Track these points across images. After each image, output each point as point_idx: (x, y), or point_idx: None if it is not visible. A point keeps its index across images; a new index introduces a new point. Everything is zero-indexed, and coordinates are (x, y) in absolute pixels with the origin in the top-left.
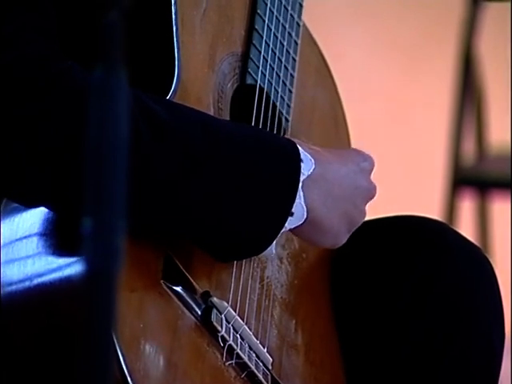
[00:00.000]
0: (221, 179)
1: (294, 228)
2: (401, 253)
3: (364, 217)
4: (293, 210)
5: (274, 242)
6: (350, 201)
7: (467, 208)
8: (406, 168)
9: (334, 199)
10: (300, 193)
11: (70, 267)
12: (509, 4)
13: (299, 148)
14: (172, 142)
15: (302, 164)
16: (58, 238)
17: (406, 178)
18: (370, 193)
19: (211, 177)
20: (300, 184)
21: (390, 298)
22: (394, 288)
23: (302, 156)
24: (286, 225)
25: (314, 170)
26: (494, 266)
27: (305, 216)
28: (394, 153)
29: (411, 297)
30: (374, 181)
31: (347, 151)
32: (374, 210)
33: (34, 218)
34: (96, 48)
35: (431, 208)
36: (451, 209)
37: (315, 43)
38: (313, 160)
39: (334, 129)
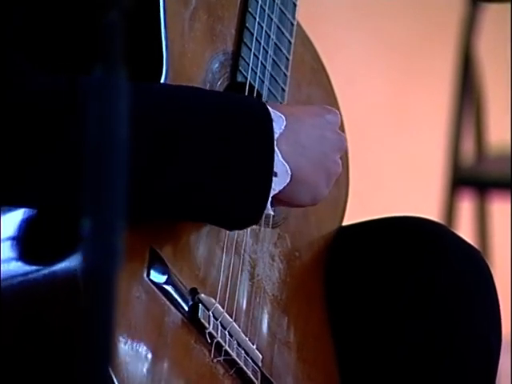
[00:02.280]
0: (196, 151)
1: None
2: (398, 254)
3: (339, 167)
4: (275, 169)
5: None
6: (319, 150)
7: (466, 208)
8: (406, 168)
9: (304, 148)
10: (276, 151)
11: (39, 273)
12: (509, 5)
13: (269, 108)
14: (140, 123)
15: (273, 124)
16: (29, 244)
17: (406, 178)
18: (339, 143)
19: (186, 151)
20: (275, 143)
21: (387, 298)
22: (391, 289)
23: (272, 115)
24: (274, 186)
25: (285, 126)
26: (493, 266)
27: (289, 171)
28: (394, 153)
29: (408, 298)
30: (341, 133)
31: (312, 106)
32: (374, 210)
33: (8, 221)
34: (96, 48)
35: (430, 208)
36: (450, 209)
37: (310, 42)
38: (283, 117)
39: None
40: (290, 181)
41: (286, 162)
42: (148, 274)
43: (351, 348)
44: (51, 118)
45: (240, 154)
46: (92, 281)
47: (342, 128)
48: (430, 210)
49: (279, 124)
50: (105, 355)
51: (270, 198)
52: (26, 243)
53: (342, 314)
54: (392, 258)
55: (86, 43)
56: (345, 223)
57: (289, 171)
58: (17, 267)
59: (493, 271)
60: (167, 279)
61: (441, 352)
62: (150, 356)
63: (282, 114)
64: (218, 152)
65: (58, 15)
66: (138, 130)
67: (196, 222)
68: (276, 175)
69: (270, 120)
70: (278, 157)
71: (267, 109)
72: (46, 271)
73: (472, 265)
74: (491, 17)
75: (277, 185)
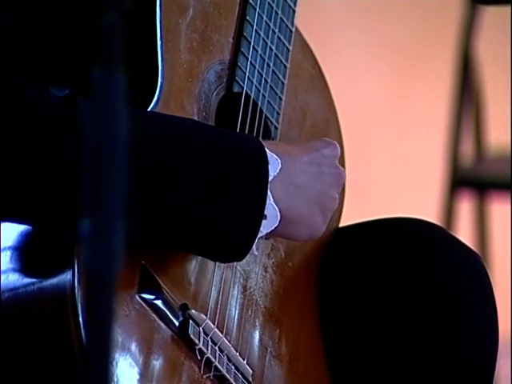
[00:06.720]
0: (189, 190)
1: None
2: (395, 254)
3: (336, 202)
4: (265, 212)
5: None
6: (316, 187)
7: (466, 209)
8: (405, 169)
9: (298, 187)
10: (269, 194)
11: (41, 284)
12: (508, 7)
13: (266, 150)
14: (140, 155)
15: (268, 166)
16: (30, 253)
17: (405, 179)
18: (337, 177)
19: (181, 188)
20: (268, 186)
21: (384, 297)
22: (388, 288)
23: (268, 157)
24: (262, 229)
25: (280, 169)
26: (493, 267)
27: (278, 217)
28: (393, 154)
29: (405, 296)
30: (341, 167)
31: (310, 141)
32: (373, 210)
33: (9, 230)
34: (95, 49)
35: (430, 209)
36: (450, 210)
37: (309, 48)
38: (279, 159)
39: (325, 133)
40: (278, 223)
41: (278, 205)
42: (139, 291)
43: (349, 347)
44: (47, 139)
45: (233, 194)
46: (91, 282)
47: (341, 161)
48: (430, 211)
49: (274, 167)
50: (104, 355)
51: (256, 240)
52: (21, 256)
53: (339, 313)
54: (389, 257)
55: (85, 44)
56: (343, 223)
57: (278, 216)
58: (14, 279)
59: (492, 272)
60: (158, 296)
61: (438, 351)
62: (138, 374)
63: (278, 155)
64: (211, 191)
65: (57, 16)
66: (137, 159)
67: (181, 252)
68: (265, 218)
69: (266, 163)
70: (270, 200)
71: (264, 151)
72: (36, 286)
73: (468, 264)
74: (491, 18)
75: (265, 227)
